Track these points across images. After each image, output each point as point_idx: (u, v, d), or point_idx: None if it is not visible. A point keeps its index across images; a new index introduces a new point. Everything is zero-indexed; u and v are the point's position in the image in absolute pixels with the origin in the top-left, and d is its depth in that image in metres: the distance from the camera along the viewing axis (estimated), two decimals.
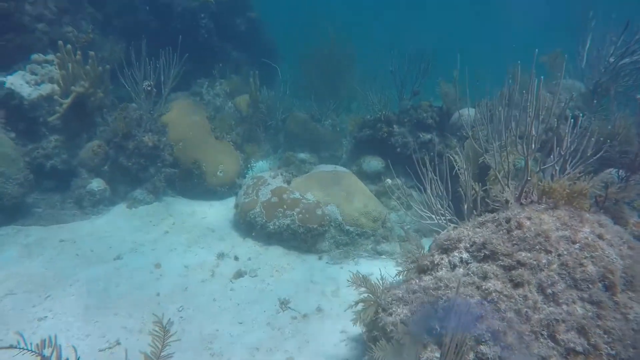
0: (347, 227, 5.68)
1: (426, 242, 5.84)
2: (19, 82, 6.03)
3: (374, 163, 7.47)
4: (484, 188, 3.72)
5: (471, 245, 2.82)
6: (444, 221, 3.72)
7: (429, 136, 7.43)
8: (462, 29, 31.34)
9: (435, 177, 3.91)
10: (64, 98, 6.16)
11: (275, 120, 9.10)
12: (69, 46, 6.02)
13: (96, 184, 6.07)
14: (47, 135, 6.19)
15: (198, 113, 7.27)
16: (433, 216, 3.86)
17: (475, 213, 3.42)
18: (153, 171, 6.39)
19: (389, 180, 7.08)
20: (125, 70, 6.53)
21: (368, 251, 5.66)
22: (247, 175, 7.26)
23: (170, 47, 6.89)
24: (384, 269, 5.23)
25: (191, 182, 6.63)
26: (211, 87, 8.92)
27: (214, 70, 9.37)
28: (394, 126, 7.64)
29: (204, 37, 9.63)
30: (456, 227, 3.19)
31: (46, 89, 6.21)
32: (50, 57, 6.47)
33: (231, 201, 6.72)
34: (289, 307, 4.39)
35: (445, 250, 2.98)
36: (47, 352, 2.36)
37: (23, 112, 6.00)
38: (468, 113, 6.69)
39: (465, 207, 3.57)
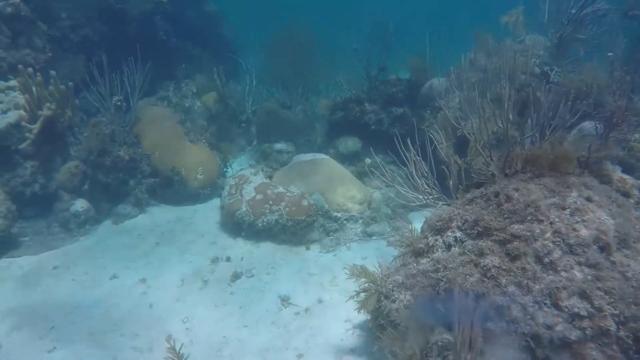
0: (335, 214, 5.71)
1: (413, 217, 5.97)
2: None
3: (350, 143, 7.48)
4: (465, 160, 3.76)
5: (463, 224, 2.87)
6: (432, 200, 3.75)
7: (401, 110, 7.45)
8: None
9: (418, 158, 3.93)
10: (33, 123, 6.00)
11: (245, 114, 9.01)
12: (29, 69, 5.85)
13: (79, 205, 5.97)
14: (22, 162, 6.04)
15: (168, 118, 7.17)
16: (420, 196, 3.89)
17: (461, 187, 3.46)
18: (133, 184, 6.32)
19: (368, 160, 7.12)
20: (89, 85, 6.37)
21: (358, 234, 5.71)
22: (226, 174, 7.21)
23: (130, 55, 6.75)
24: (377, 251, 5.33)
25: (172, 189, 6.57)
26: (177, 89, 8.77)
27: (177, 71, 9.23)
28: (366, 104, 7.65)
29: (162, 39, 9.46)
30: (444, 205, 3.23)
31: (14, 116, 6.02)
32: (12, 82, 6.28)
33: (215, 202, 6.69)
34: (291, 303, 4.43)
35: (438, 230, 3.02)
36: None
37: None
38: (438, 82, 6.74)
39: (451, 183, 3.61)
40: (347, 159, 7.31)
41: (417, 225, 5.65)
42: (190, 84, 8.70)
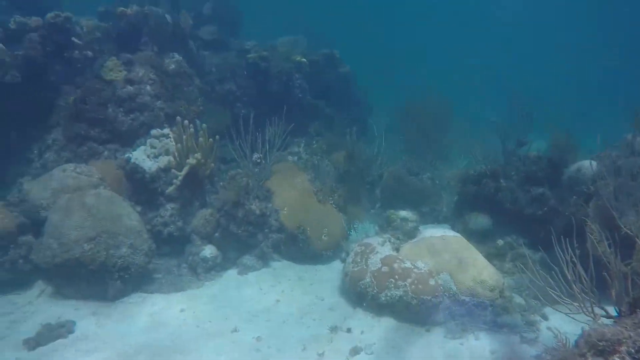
0: (463, 298, 5.40)
1: (549, 313, 5.47)
2: (141, 157, 6.49)
3: (480, 220, 7.15)
4: (631, 266, 3.38)
5: (637, 351, 2.53)
6: (587, 310, 3.39)
7: (540, 190, 7.01)
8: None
9: (574, 259, 3.59)
10: (179, 170, 6.51)
11: (371, 176, 9.05)
12: (186, 122, 6.41)
13: (209, 251, 6.29)
14: (164, 204, 6.55)
15: (299, 176, 7.42)
16: (567, 299, 3.53)
17: (626, 300, 3.09)
18: (261, 237, 6.54)
19: (500, 241, 6.74)
20: (229, 136, 6.76)
21: (487, 323, 5.33)
22: (349, 238, 7.21)
23: (268, 109, 7.08)
24: (508, 347, 4.92)
25: (296, 247, 6.69)
26: (308, 146, 9.11)
27: (310, 128, 9.59)
28: (501, 180, 7.32)
29: (298, 96, 9.95)
30: (604, 318, 2.89)
31: (163, 161, 6.61)
32: (166, 130, 6.93)
33: (336, 265, 6.69)
34: None
35: (601, 352, 2.69)
36: None
37: (145, 184, 6.43)
38: (590, 165, 6.26)
39: (613, 293, 3.24)
40: (475, 236, 6.97)
41: (553, 321, 5.25)
42: (321, 142, 8.99)
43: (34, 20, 7.33)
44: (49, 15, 7.30)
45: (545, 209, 6.82)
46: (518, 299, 5.71)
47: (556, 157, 7.22)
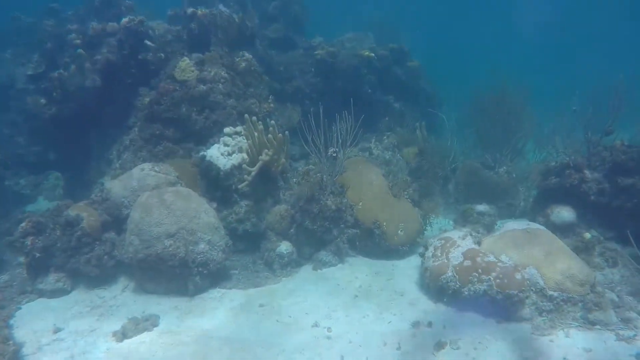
0: (551, 293, 5.05)
1: None
2: (215, 155, 6.54)
3: (564, 214, 6.71)
4: None
5: None
6: None
7: (630, 180, 6.50)
8: None
9: None
10: (251, 166, 6.51)
11: (444, 171, 8.76)
12: (254, 118, 6.41)
13: (285, 247, 6.25)
14: (238, 201, 6.57)
15: (373, 171, 7.24)
16: None
17: None
18: (336, 233, 6.42)
19: (587, 234, 6.29)
20: (301, 133, 6.69)
21: (577, 320, 4.96)
22: (425, 233, 6.97)
23: (336, 105, 6.92)
24: (604, 345, 4.55)
25: (372, 242, 6.53)
26: (379, 142, 8.93)
27: (380, 124, 9.41)
28: (585, 171, 6.85)
29: (367, 92, 9.80)
30: None
31: (237, 158, 6.63)
32: (239, 128, 6.96)
33: (413, 260, 6.47)
34: None
35: None
36: None
37: (219, 181, 6.48)
38: None
39: None
40: (558, 229, 6.54)
41: None
42: (392, 137, 8.80)
43: (110, 26, 7.61)
44: (124, 20, 7.56)
45: (635, 200, 6.34)
46: (610, 295, 5.30)
47: None
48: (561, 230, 6.60)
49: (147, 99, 7.31)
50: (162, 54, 7.75)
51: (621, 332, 4.69)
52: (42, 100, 7.81)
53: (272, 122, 6.60)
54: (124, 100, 7.63)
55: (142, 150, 7.15)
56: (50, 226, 5.80)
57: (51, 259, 5.69)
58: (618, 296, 5.30)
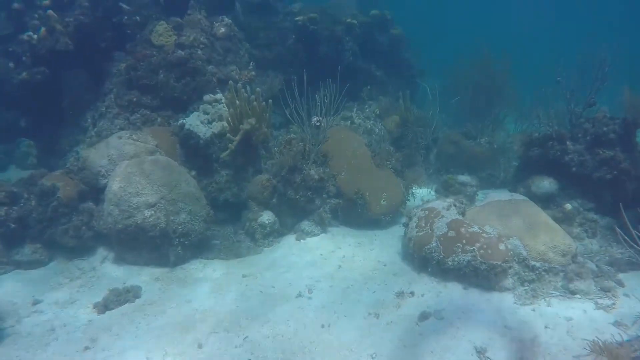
0: (533, 263, 5.13)
1: (625, 279, 5.16)
2: (195, 123, 6.39)
3: (545, 184, 6.77)
4: None
5: None
6: None
7: (610, 153, 6.57)
8: None
9: None
10: (233, 135, 6.38)
11: (426, 140, 8.74)
12: (239, 85, 6.24)
13: (266, 217, 6.19)
14: (219, 170, 6.48)
15: (355, 140, 7.18)
16: None
17: None
18: (319, 203, 6.38)
19: (568, 205, 6.37)
20: (283, 101, 6.56)
21: (559, 289, 5.05)
22: (407, 203, 6.98)
23: (317, 73, 6.78)
24: (584, 313, 4.65)
25: (354, 212, 6.50)
26: (360, 110, 8.85)
27: (362, 92, 9.29)
28: (568, 143, 6.90)
29: (348, 59, 9.62)
30: None
31: (217, 126, 6.50)
32: (219, 96, 6.79)
33: (395, 230, 6.48)
34: (488, 357, 4.01)
35: None
36: None
37: (199, 150, 6.35)
38: None
39: None
40: (539, 200, 6.59)
41: (630, 287, 4.95)
42: (374, 106, 8.71)
43: None
44: None
45: (615, 172, 6.42)
46: (590, 265, 5.41)
47: (631, 117, 6.73)
48: (542, 201, 6.66)
49: (123, 65, 7.03)
50: (138, 17, 7.43)
51: (600, 301, 4.80)
52: (11, 64, 7.46)
53: (258, 89, 6.42)
54: (99, 65, 7.33)
55: (118, 117, 6.91)
56: (25, 196, 5.64)
57: (27, 229, 5.54)
58: (597, 266, 5.41)
